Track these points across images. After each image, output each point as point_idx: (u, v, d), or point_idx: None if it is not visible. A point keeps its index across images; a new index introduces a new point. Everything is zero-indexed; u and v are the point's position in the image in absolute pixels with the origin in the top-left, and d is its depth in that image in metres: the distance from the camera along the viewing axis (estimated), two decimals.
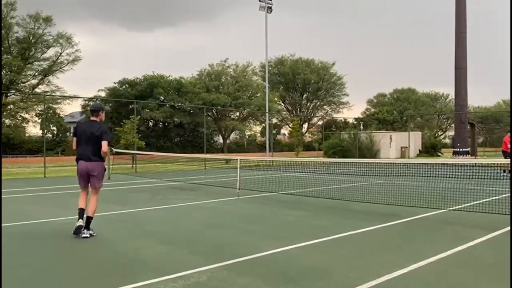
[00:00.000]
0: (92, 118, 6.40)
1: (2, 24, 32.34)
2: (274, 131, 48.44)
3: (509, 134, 17.41)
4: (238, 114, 45.72)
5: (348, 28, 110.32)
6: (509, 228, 6.31)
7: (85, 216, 6.10)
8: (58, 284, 4.19)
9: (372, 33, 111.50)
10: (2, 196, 11.10)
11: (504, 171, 13.07)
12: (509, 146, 16.84)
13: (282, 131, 59.13)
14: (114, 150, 18.23)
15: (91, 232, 6.07)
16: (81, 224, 6.05)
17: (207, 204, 9.50)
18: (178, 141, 42.59)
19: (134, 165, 21.50)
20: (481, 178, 9.24)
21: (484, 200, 8.81)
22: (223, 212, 8.60)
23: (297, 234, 6.30)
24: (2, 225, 7.02)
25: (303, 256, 5.07)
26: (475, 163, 10.17)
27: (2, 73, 33.37)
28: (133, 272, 4.46)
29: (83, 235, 5.98)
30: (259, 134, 52.51)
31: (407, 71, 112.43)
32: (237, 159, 11.71)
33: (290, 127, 46.24)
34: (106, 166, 6.41)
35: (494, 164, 8.90)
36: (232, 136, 49.36)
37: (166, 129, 41.69)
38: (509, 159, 13.47)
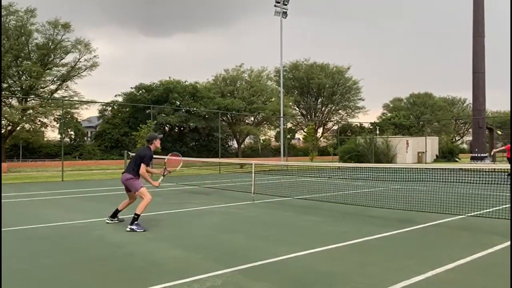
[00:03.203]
0: (148, 145, 7.50)
1: (22, 31, 33.04)
2: (288, 136, 48.35)
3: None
4: (252, 119, 45.79)
5: (364, 33, 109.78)
6: None
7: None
8: (75, 285, 4.23)
9: (388, 37, 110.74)
10: (21, 200, 11.31)
11: (509, 175, 13.30)
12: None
13: (297, 135, 59.01)
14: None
15: (133, 227, 6.80)
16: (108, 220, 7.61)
17: (222, 209, 9.52)
18: (193, 145, 42.86)
19: None
20: (500, 184, 9.06)
21: (504, 206, 8.63)
22: (237, 216, 8.60)
23: (311, 239, 6.26)
24: (19, 227, 7.16)
25: (318, 262, 5.03)
26: (494, 169, 9.99)
27: (22, 78, 34.06)
28: (148, 275, 4.48)
29: (126, 229, 6.84)
30: (273, 139, 52.49)
31: (424, 75, 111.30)
32: (251, 164, 11.71)
33: (304, 132, 46.15)
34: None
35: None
36: (247, 140, 49.46)
37: (182, 134, 42.01)
38: None
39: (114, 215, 7.62)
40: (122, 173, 7.51)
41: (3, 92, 31.65)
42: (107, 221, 7.57)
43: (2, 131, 31.51)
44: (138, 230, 6.75)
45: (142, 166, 7.21)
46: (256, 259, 5.04)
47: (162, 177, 7.87)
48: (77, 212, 9.00)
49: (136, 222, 6.85)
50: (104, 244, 5.98)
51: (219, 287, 4.09)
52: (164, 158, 8.43)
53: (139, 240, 6.22)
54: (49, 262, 5.08)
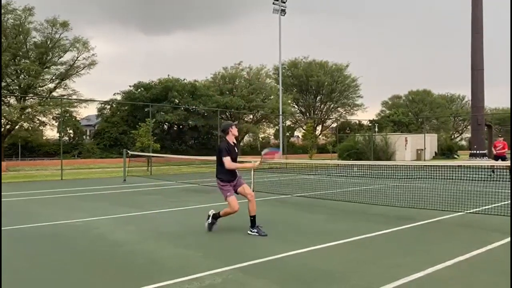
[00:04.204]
0: (225, 137, 6.73)
1: (20, 30, 32.94)
2: (287, 134, 48.36)
3: (498, 139, 18.74)
4: (251, 116, 45.78)
5: (362, 30, 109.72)
6: None
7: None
8: (76, 284, 4.24)
9: (387, 34, 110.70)
10: (20, 199, 11.31)
11: (493, 171, 13.62)
12: (497, 150, 18.17)
13: (296, 133, 59.02)
14: (130, 153, 18.43)
15: (255, 231, 6.50)
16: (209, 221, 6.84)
17: (222, 207, 9.51)
18: (192, 143, 42.86)
19: (149, 168, 21.68)
20: (498, 180, 9.07)
21: (503, 202, 8.65)
22: (237, 214, 8.57)
23: (311, 237, 6.27)
24: (19, 226, 7.16)
25: (318, 260, 5.04)
26: (493, 165, 10.00)
27: (20, 77, 33.98)
28: (148, 274, 4.49)
29: (248, 232, 6.55)
30: (272, 137, 52.50)
31: (422, 72, 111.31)
32: (250, 162, 11.69)
33: (303, 130, 46.16)
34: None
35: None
36: (246, 138, 49.44)
37: (181, 132, 41.99)
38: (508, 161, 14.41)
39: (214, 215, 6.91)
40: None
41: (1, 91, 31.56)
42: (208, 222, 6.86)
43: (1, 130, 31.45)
44: (261, 234, 6.40)
45: (225, 160, 6.42)
46: (256, 257, 5.05)
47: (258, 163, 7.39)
48: (76, 211, 9.00)
49: (257, 225, 6.54)
50: (104, 243, 5.98)
51: (219, 285, 4.10)
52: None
53: (139, 239, 6.23)
54: (49, 261, 5.09)
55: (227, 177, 6.63)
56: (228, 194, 6.61)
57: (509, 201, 8.78)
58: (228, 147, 6.56)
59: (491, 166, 13.97)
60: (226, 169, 6.51)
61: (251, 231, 6.54)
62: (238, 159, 7.15)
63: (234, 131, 6.71)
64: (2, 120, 30.99)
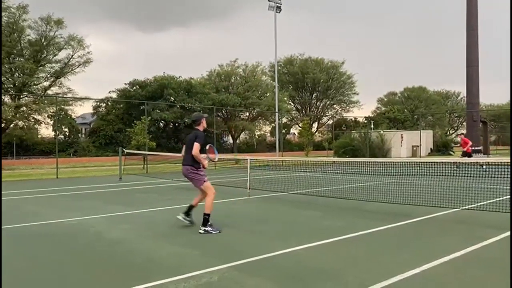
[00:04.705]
0: (195, 127, 6.89)
1: (14, 27, 32.73)
2: (283, 131, 48.37)
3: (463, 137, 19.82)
4: (247, 114, 45.74)
5: (358, 27, 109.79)
6: None
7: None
8: (73, 284, 4.23)
9: (382, 31, 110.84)
10: (15, 197, 11.26)
11: (482, 166, 13.72)
12: (467, 147, 18.78)
13: (292, 130, 59.04)
14: (126, 151, 18.39)
15: (207, 229, 6.38)
16: (179, 217, 6.89)
17: (217, 205, 9.51)
18: None
19: (145, 166, 21.63)
20: (493, 177, 9.12)
21: (498, 199, 8.70)
22: (233, 212, 8.62)
23: (307, 234, 6.29)
24: (14, 226, 7.13)
25: (314, 257, 5.05)
26: (488, 162, 10.05)
27: (15, 75, 33.77)
28: (146, 272, 4.49)
29: (199, 231, 6.39)
30: (268, 134, 52.49)
31: (418, 69, 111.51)
32: (247, 159, 11.72)
33: (299, 127, 46.19)
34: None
35: (507, 162, 8.79)
36: (242, 136, 49.40)
37: (177, 130, 41.86)
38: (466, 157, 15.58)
39: (188, 212, 6.94)
40: (183, 164, 6.79)
41: None
42: (180, 218, 6.90)
43: None
44: (213, 232, 6.32)
45: (196, 145, 6.45)
46: (252, 254, 5.05)
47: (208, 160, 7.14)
48: (72, 209, 8.97)
49: (209, 223, 6.43)
50: (101, 242, 5.97)
51: (216, 283, 4.10)
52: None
53: (136, 238, 6.22)
54: (47, 260, 5.07)
55: (199, 165, 6.64)
56: (205, 179, 6.68)
57: (503, 198, 8.84)
58: (203, 135, 6.72)
59: (454, 162, 14.21)
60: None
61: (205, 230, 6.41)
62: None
63: (204, 123, 6.91)
64: None
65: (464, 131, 29.01)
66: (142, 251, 5.38)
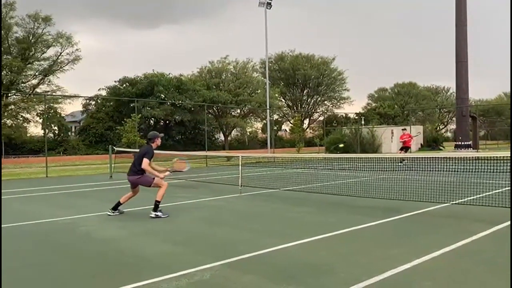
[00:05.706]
0: (150, 144, 7.76)
1: (2, 25, 32.30)
2: (275, 128, 48.40)
3: (404, 132, 20.36)
4: (239, 111, 45.70)
5: (348, 23, 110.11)
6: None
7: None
8: (64, 283, 4.19)
9: (372, 27, 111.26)
10: (4, 197, 11.12)
11: (401, 162, 14.01)
12: (404, 140, 19.60)
13: (283, 127, 59.11)
14: (116, 149, 18.25)
15: (158, 214, 7.41)
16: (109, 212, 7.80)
17: (209, 202, 9.50)
18: (179, 139, 42.60)
19: None
20: (483, 172, 9.20)
21: (487, 193, 8.78)
22: (225, 209, 8.60)
23: (300, 230, 6.29)
24: (4, 225, 7.03)
25: (306, 253, 5.06)
26: (477, 157, 10.13)
27: (2, 73, 33.36)
28: (137, 271, 4.46)
29: (150, 215, 7.44)
30: (260, 131, 52.50)
31: (408, 65, 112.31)
32: (238, 156, 11.70)
33: (291, 123, 46.24)
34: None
35: (496, 157, 8.88)
36: (233, 133, 49.35)
37: (167, 127, 41.69)
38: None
39: (116, 207, 7.84)
40: (128, 174, 7.73)
41: None
42: (108, 213, 7.75)
43: None
44: (162, 216, 7.35)
45: (145, 160, 7.40)
46: (244, 251, 5.04)
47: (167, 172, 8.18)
48: (62, 208, 8.89)
49: (159, 209, 7.42)
50: (92, 241, 5.92)
51: (208, 281, 4.09)
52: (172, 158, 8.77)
53: (127, 236, 6.18)
54: (36, 260, 5.02)
55: (142, 171, 7.57)
56: (153, 177, 7.53)
57: (492, 192, 8.93)
58: (153, 152, 7.64)
59: (400, 158, 14.48)
60: (141, 168, 7.44)
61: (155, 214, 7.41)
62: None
63: (158, 141, 7.81)
64: None
65: (454, 126, 29.25)
66: (133, 250, 5.35)
